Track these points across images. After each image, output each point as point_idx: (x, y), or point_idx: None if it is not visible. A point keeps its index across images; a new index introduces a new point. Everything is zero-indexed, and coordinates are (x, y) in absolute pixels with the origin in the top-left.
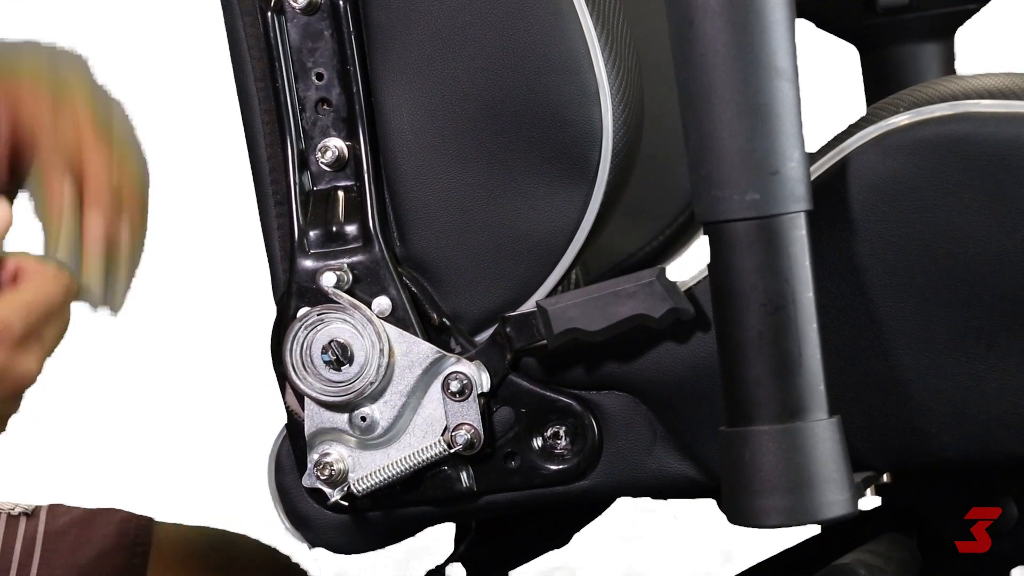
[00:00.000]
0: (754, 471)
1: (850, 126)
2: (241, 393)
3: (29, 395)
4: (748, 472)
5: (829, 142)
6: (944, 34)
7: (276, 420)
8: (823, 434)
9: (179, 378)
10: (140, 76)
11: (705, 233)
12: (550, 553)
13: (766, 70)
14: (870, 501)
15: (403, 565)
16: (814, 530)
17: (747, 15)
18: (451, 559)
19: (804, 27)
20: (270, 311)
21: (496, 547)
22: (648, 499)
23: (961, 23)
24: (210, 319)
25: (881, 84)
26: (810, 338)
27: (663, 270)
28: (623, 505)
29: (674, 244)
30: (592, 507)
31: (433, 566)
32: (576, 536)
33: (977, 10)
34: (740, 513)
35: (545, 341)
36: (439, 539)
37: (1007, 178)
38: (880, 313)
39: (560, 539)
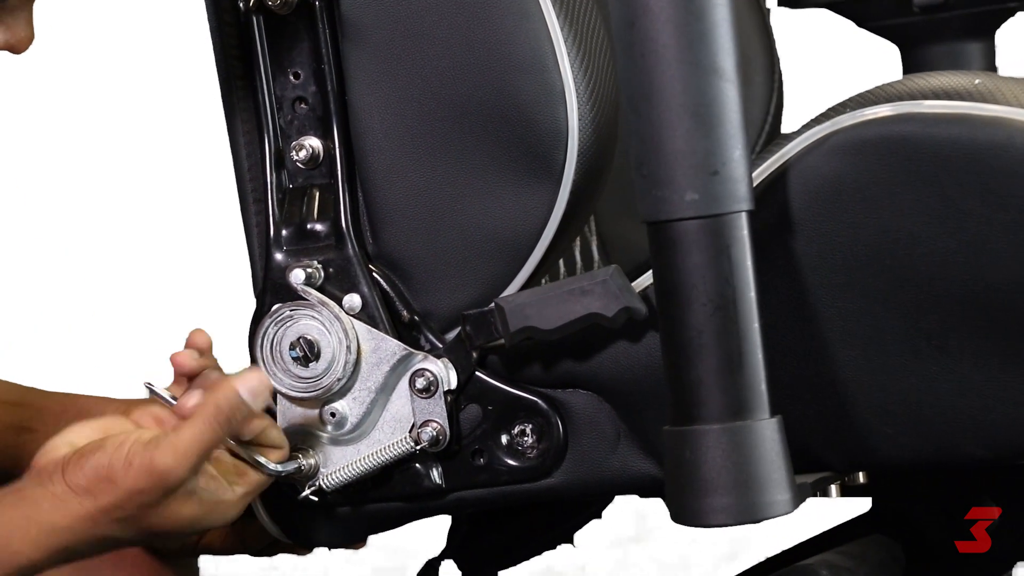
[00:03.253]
0: (695, 470)
1: (800, 127)
2: None
3: None
4: (690, 471)
5: (777, 142)
6: (984, 33)
7: None
8: (764, 434)
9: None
10: (131, 76)
11: (648, 233)
12: (552, 552)
13: (706, 71)
14: (860, 504)
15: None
16: (812, 531)
17: (687, 17)
18: (444, 554)
19: (845, 26)
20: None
21: (491, 544)
22: (650, 499)
23: (1002, 22)
24: (203, 317)
25: None
26: (752, 338)
27: (617, 269)
28: (625, 505)
29: None
30: (591, 507)
31: (425, 561)
32: (576, 536)
33: (1019, 9)
34: (683, 512)
35: (502, 340)
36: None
37: (948, 179)
38: (832, 314)
39: (561, 538)
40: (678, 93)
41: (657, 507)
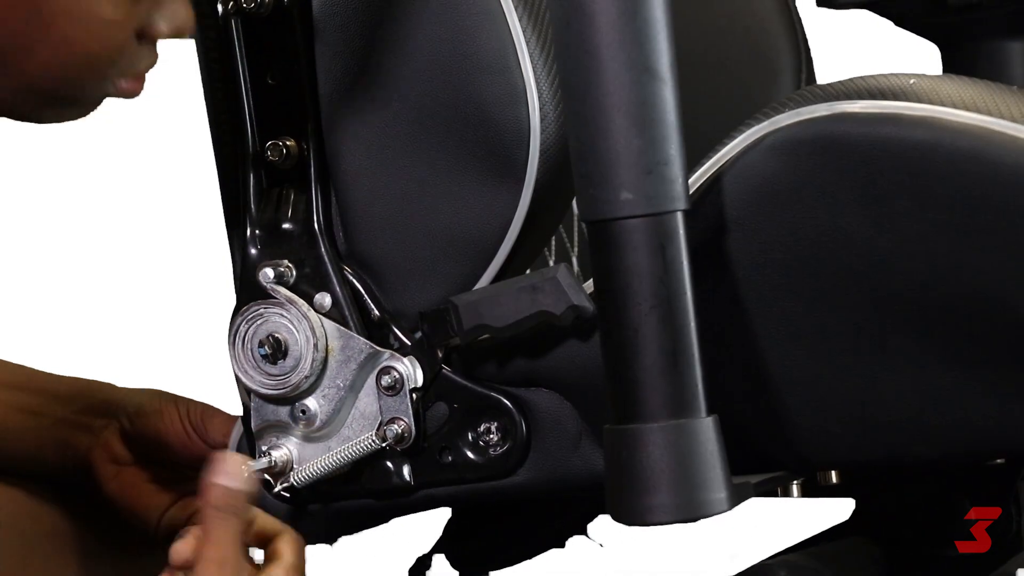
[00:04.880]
0: (633, 469)
1: (739, 126)
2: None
3: None
4: (628, 470)
5: (721, 143)
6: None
7: None
8: (701, 432)
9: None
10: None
11: (587, 232)
12: (549, 554)
13: (641, 72)
14: (844, 505)
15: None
16: (810, 532)
17: (621, 17)
18: (435, 549)
19: (884, 25)
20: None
21: (481, 544)
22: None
23: None
24: (198, 318)
25: None
26: (687, 337)
27: (566, 267)
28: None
29: None
30: (579, 509)
31: (417, 556)
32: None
33: None
34: (622, 511)
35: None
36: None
37: (880, 179)
38: (775, 314)
39: (556, 540)
40: (612, 93)
41: None
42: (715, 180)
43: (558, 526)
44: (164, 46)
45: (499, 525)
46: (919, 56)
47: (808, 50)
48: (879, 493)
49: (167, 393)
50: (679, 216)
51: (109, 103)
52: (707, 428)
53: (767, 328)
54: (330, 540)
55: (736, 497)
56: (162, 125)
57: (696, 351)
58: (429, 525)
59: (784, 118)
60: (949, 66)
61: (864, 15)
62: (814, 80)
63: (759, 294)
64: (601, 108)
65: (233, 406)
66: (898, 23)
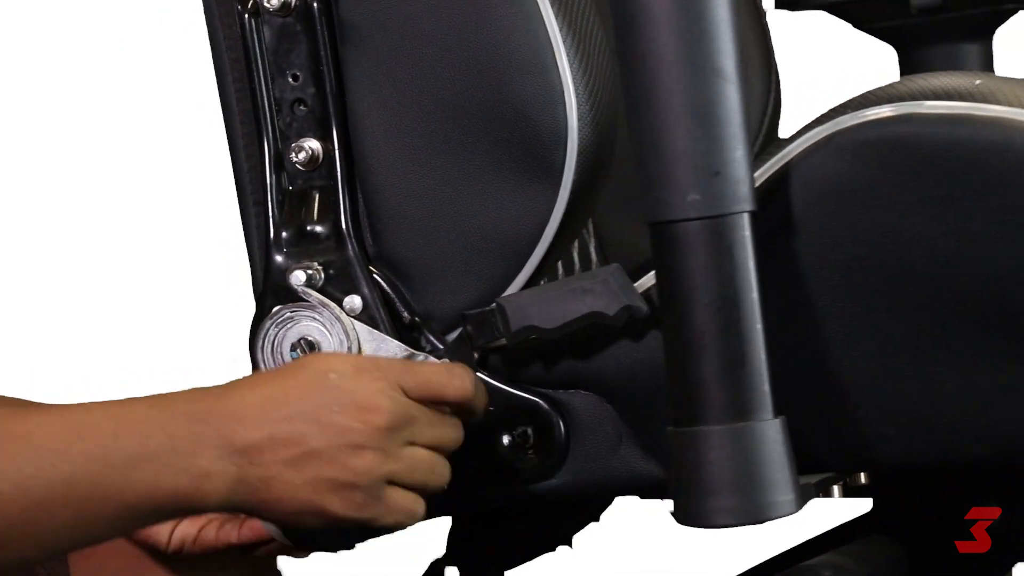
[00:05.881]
0: (699, 472)
1: (801, 128)
2: None
3: None
4: (694, 473)
5: (777, 144)
6: (982, 35)
7: None
8: (767, 434)
9: (169, 376)
10: (128, 77)
11: (651, 234)
12: (549, 555)
13: (707, 72)
14: (861, 504)
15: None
16: (811, 533)
17: (689, 17)
18: (447, 557)
19: (842, 28)
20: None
21: (491, 547)
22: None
23: (1000, 23)
24: (200, 321)
25: None
26: (754, 338)
27: (619, 268)
28: (626, 506)
29: None
30: (590, 509)
31: (429, 564)
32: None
33: (1016, 11)
34: (687, 514)
35: (504, 339)
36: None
37: (949, 179)
38: (834, 315)
39: (559, 541)
40: (679, 94)
41: (657, 508)
42: (777, 181)
43: (567, 528)
44: (162, 46)
45: (508, 530)
46: (875, 58)
47: (774, 54)
48: (899, 492)
49: None
50: (746, 217)
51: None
52: (775, 430)
53: (823, 329)
54: (350, 545)
55: (803, 499)
56: (162, 126)
57: (763, 352)
58: (429, 527)
59: (848, 119)
60: (906, 68)
61: (819, 17)
62: (779, 83)
63: (817, 295)
64: (668, 109)
65: None
66: (857, 25)
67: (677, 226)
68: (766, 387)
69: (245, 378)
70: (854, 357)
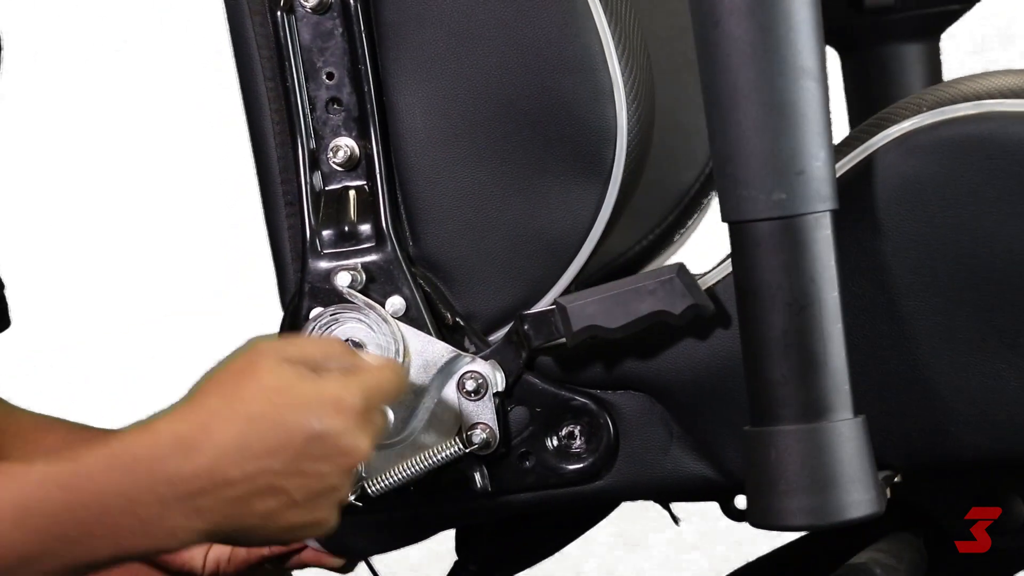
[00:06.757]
0: (779, 471)
1: (869, 125)
2: None
3: None
4: (773, 473)
5: (847, 141)
6: (929, 35)
7: None
8: (849, 433)
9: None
10: (139, 77)
11: (730, 232)
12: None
13: (792, 69)
14: None
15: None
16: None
17: (772, 15)
18: (469, 560)
19: None
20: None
21: (502, 548)
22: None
23: (947, 25)
24: (205, 323)
25: (863, 86)
26: (835, 337)
27: (683, 267)
28: (625, 506)
29: (663, 243)
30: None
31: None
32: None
33: (963, 12)
34: (765, 514)
35: (564, 339)
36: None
37: None
38: (903, 312)
39: (560, 542)
40: (763, 92)
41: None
42: (852, 179)
43: (577, 527)
44: (166, 47)
45: (520, 532)
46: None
47: None
48: (912, 489)
49: None
50: (828, 216)
51: (111, 104)
52: (856, 428)
53: (892, 326)
54: (387, 549)
55: (883, 497)
56: (162, 126)
57: (844, 351)
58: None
59: (927, 117)
60: (851, 70)
61: None
62: None
63: (886, 292)
64: (753, 108)
65: None
66: None
67: (760, 225)
68: (847, 386)
69: (204, 411)
70: (920, 354)
